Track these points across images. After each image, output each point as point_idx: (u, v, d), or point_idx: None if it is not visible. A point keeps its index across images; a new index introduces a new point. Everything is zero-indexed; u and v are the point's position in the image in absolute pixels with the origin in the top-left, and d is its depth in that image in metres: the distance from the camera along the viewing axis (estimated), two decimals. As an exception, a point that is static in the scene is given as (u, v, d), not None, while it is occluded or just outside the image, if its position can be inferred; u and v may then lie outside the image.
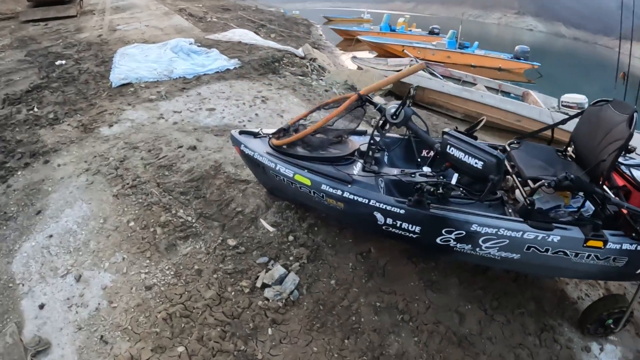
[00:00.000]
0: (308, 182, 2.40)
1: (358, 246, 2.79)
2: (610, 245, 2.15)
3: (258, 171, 2.80)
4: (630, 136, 2.22)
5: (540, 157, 2.71)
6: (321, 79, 6.61)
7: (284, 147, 2.57)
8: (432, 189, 2.16)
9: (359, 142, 2.75)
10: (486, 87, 9.30)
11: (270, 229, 2.83)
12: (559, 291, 2.84)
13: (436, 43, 12.85)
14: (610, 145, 2.34)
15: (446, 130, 2.24)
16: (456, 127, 2.49)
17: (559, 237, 2.14)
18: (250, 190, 3.19)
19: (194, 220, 2.87)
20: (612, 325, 2.51)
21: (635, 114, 2.27)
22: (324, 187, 2.35)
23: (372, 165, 2.54)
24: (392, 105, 2.47)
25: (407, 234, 2.29)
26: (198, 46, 6.48)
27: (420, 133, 2.54)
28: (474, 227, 2.16)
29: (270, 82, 5.72)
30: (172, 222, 2.84)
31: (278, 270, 2.42)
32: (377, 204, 2.25)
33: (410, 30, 15.60)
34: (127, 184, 3.19)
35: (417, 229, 2.25)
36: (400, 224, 2.26)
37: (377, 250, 2.78)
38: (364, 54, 12.06)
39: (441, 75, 9.23)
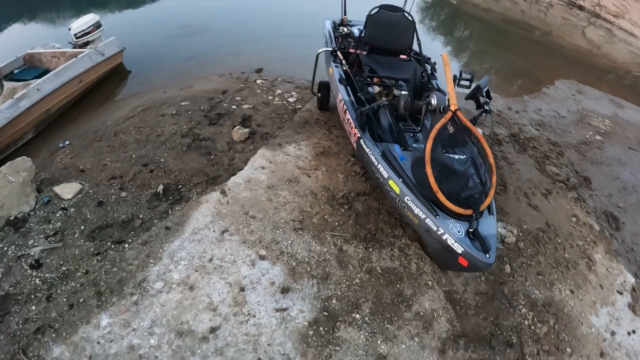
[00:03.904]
0: None
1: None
2: None
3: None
4: (414, 22, 3.82)
5: (381, 60, 3.73)
6: (52, 212, 2.87)
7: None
8: None
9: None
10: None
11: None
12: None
13: None
14: (406, 32, 3.83)
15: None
16: None
17: None
18: None
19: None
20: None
21: (405, 12, 3.77)
22: None
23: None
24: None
25: None
26: None
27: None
28: None
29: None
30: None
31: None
32: None
33: None
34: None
35: None
36: None
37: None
38: None
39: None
